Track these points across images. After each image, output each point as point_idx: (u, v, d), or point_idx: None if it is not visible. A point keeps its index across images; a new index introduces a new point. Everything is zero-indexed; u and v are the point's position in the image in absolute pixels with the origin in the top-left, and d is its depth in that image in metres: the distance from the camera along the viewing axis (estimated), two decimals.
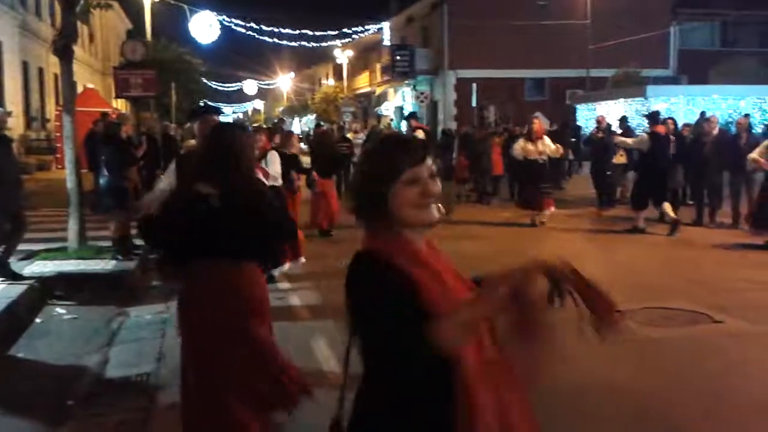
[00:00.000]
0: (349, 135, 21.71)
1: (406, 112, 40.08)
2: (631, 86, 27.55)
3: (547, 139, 12.28)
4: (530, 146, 11.96)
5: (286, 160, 8.70)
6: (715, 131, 12.57)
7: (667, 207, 11.46)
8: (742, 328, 6.28)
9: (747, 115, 14.48)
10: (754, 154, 10.25)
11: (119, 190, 9.00)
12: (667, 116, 15.39)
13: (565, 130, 21.44)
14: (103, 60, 39.59)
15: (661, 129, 11.93)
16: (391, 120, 38.77)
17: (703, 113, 16.52)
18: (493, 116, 29.89)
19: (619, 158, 14.29)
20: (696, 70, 32.63)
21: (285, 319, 6.46)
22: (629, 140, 12.84)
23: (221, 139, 3.64)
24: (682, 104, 23.83)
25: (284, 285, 8.03)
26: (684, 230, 11.31)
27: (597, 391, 4.79)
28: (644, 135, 12.23)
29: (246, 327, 3.47)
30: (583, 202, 15.48)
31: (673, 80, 33.22)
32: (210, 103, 64.53)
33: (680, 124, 14.72)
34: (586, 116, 28.31)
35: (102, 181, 9.00)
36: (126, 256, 8.73)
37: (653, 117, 12.32)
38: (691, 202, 13.14)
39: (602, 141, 14.67)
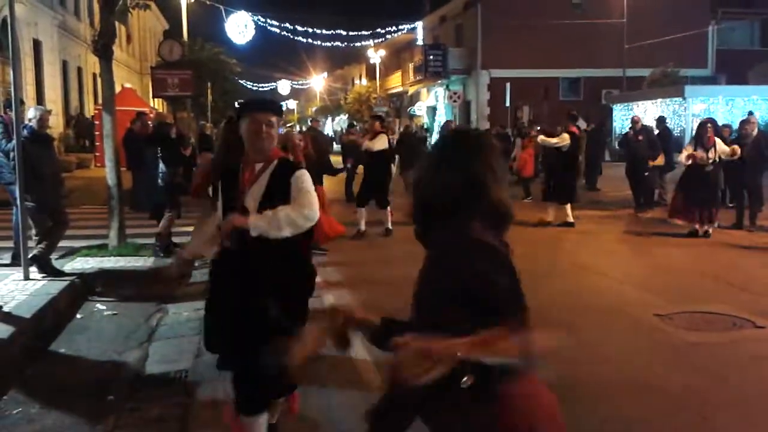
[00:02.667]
0: None
1: (438, 112, 40.31)
2: (668, 86, 27.16)
3: None
4: None
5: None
6: (755, 132, 12.29)
7: (568, 207, 12.15)
8: None
9: None
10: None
11: (173, 188, 9.15)
12: (706, 117, 15.07)
13: (601, 130, 21.22)
14: (141, 60, 40.16)
15: (575, 129, 12.57)
16: (424, 124, 38.71)
17: (750, 113, 16.07)
18: (527, 116, 29.67)
19: (658, 160, 14.08)
20: (734, 70, 32.08)
21: None
22: (552, 139, 12.64)
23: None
24: (721, 105, 23.41)
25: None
26: (725, 233, 11.12)
27: (631, 390, 4.75)
28: (566, 134, 12.31)
29: None
30: (619, 204, 15.25)
31: (711, 80, 32.65)
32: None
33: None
34: (623, 116, 27.95)
35: (159, 179, 9.17)
36: (166, 254, 8.85)
37: (573, 117, 12.81)
38: (731, 205, 12.85)
39: (638, 142, 14.41)
